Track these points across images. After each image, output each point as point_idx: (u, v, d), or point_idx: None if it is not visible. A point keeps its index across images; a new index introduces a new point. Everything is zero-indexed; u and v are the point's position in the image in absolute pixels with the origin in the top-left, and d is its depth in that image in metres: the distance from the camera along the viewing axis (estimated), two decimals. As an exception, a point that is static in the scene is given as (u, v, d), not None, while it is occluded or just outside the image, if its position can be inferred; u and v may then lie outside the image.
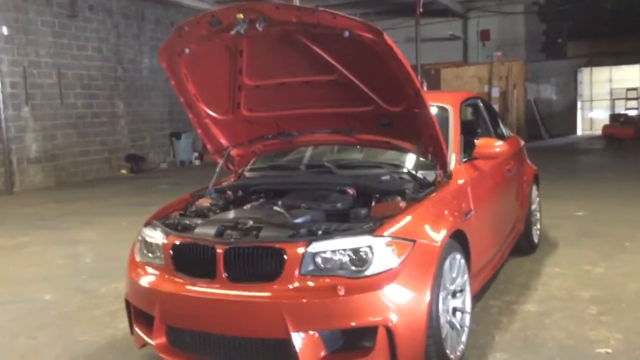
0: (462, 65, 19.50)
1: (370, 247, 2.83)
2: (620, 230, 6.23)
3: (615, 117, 18.56)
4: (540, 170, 5.82)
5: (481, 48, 19.98)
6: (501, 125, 5.43)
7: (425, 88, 3.29)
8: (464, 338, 3.31)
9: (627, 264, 5.08)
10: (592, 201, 7.99)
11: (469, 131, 4.36)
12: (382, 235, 2.87)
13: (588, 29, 19.32)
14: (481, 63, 19.01)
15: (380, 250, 2.83)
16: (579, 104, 20.92)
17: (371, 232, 2.88)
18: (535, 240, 5.53)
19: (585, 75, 21.05)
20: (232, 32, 3.19)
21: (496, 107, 16.92)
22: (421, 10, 14.98)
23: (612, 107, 20.56)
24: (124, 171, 14.13)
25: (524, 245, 5.31)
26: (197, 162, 16.03)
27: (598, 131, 18.81)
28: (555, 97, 20.71)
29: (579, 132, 20.77)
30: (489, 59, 18.60)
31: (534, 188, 5.56)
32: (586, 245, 5.70)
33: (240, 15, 3.12)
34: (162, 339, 3.14)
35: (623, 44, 18.92)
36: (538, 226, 5.69)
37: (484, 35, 19.93)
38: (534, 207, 5.49)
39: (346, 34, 3.03)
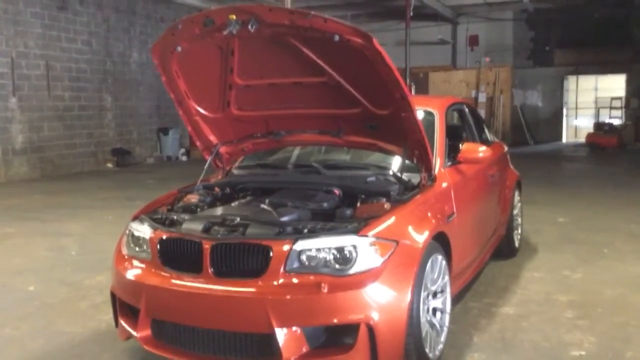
0: (451, 69, 19.66)
1: (354, 246, 2.89)
2: (599, 237, 6.34)
3: (599, 126, 18.72)
4: (524, 176, 5.91)
5: (470, 53, 20.14)
6: (486, 131, 5.52)
7: (413, 91, 3.36)
8: (443, 338, 3.38)
9: (604, 270, 5.19)
10: (574, 208, 8.11)
11: (454, 136, 4.44)
12: (366, 235, 2.93)
13: (575, 37, 19.52)
14: (469, 68, 19.18)
15: (364, 250, 2.89)
16: (564, 112, 21.11)
17: (356, 231, 2.94)
18: (516, 244, 5.63)
19: (572, 83, 21.22)
20: (225, 32, 3.25)
21: (483, 112, 17.08)
22: (411, 13, 15.09)
23: (597, 115, 20.73)
24: (109, 165, 14.09)
25: (505, 249, 5.40)
26: (184, 158, 16.02)
27: (582, 139, 18.96)
28: (541, 104, 20.89)
29: (564, 139, 20.95)
30: (477, 64, 18.77)
31: (516, 193, 5.65)
32: (566, 251, 5.80)
33: (233, 16, 3.17)
34: (147, 332, 3.18)
35: (609, 54, 19.12)
36: (519, 231, 5.79)
37: (473, 41, 20.10)
38: (515, 212, 5.58)
39: (336, 37, 3.09)
